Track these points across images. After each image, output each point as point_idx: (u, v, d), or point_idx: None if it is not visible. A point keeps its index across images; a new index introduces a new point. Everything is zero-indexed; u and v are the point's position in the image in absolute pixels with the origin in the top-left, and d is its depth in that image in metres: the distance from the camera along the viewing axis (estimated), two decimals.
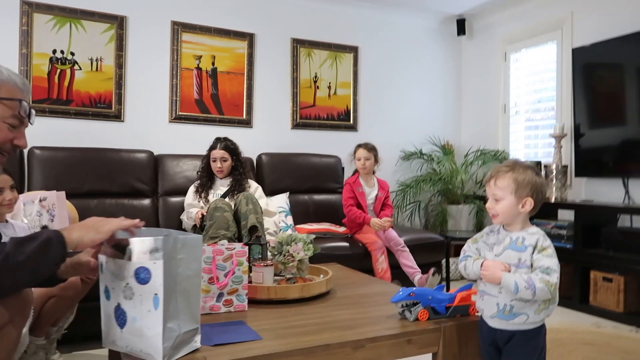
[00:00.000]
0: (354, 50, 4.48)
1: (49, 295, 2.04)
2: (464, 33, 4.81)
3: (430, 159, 4.67)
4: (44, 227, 2.59)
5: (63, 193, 2.64)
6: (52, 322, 2.14)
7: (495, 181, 1.54)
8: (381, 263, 3.15)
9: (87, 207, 3.09)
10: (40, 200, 2.55)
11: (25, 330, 1.94)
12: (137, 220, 1.34)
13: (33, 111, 1.36)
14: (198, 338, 1.34)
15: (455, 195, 4.49)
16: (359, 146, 3.55)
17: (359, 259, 3.18)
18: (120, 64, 3.61)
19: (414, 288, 1.67)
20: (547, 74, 4.25)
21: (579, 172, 3.78)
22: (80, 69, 3.50)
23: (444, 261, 3.78)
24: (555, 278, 1.42)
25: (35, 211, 2.53)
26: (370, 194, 3.53)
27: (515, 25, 4.47)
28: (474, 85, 4.94)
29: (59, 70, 3.44)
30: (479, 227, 4.42)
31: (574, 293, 3.41)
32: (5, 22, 3.30)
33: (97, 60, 3.55)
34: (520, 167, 1.53)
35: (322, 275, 2.14)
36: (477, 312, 1.65)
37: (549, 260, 1.44)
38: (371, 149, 3.52)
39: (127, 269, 1.24)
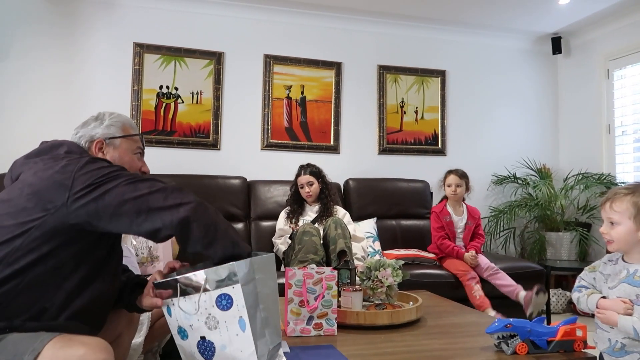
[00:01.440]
0: (441, 74, 4.43)
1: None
2: (560, 51, 4.57)
3: (525, 183, 4.44)
4: (149, 249, 2.81)
5: None
6: (158, 339, 2.29)
7: (611, 204, 1.43)
8: (477, 291, 3.00)
9: None
10: None
11: (140, 340, 2.11)
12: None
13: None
14: (282, 352, 1.38)
15: (555, 221, 4.21)
16: (450, 172, 3.46)
17: (449, 287, 3.07)
18: (217, 96, 3.87)
19: (511, 319, 1.59)
20: None
21: None
22: (183, 102, 3.80)
23: None
24: None
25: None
26: (460, 222, 3.41)
27: (618, 41, 4.18)
28: (572, 105, 4.65)
29: (164, 104, 3.76)
30: (582, 256, 4.09)
31: None
32: (121, 63, 3.69)
33: (197, 93, 3.84)
34: None
35: (411, 302, 2.11)
36: (583, 347, 1.52)
37: None
38: (462, 175, 3.41)
39: (206, 301, 1.25)
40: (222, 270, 1.24)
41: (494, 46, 4.59)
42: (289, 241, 3.12)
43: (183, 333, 1.31)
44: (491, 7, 4.01)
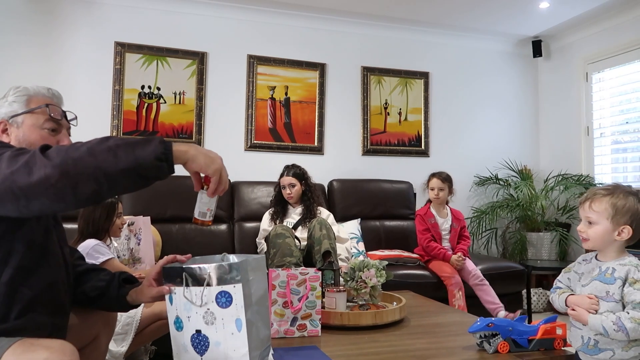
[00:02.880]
0: (424, 75, 4.46)
1: (159, 317, 2.15)
2: (541, 54, 4.64)
3: (507, 184, 4.50)
4: (131, 250, 2.77)
5: (148, 218, 2.82)
6: (144, 343, 2.26)
7: (590, 204, 1.45)
8: (458, 300, 3.01)
9: (169, 232, 3.27)
10: (129, 225, 2.73)
11: (123, 349, 2.08)
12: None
13: (71, 113, 1.43)
14: (271, 354, 1.38)
15: (535, 222, 4.27)
16: (433, 175, 3.45)
17: (432, 287, 3.10)
18: (200, 97, 3.84)
19: (493, 318, 1.61)
20: (634, 93, 3.98)
21: None
22: (165, 102, 3.76)
23: (524, 292, 3.59)
24: None
25: (124, 235, 2.71)
26: (444, 224, 3.41)
27: (597, 44, 4.26)
28: (552, 107, 4.73)
29: (146, 104, 3.72)
30: (562, 256, 4.16)
31: None
32: (102, 62, 3.63)
33: (180, 94, 3.80)
34: (622, 192, 1.43)
35: (395, 303, 2.11)
36: (563, 345, 1.55)
37: None
38: (445, 179, 3.41)
39: (206, 295, 1.26)
40: (226, 268, 1.24)
41: (476, 48, 4.65)
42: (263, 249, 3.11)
43: (179, 324, 1.31)
44: (474, 10, 4.05)
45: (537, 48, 4.64)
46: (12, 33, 3.45)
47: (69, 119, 1.41)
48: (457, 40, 4.57)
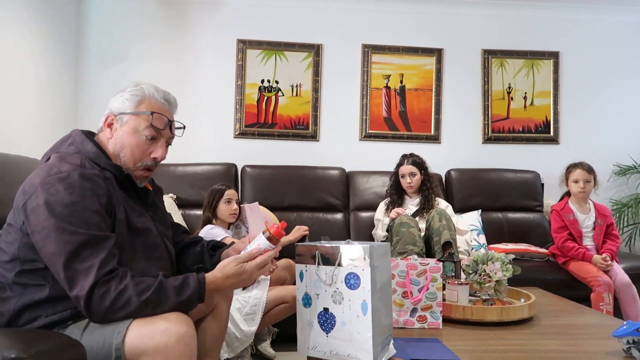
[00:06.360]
0: (554, 55, 4.08)
1: (282, 300, 2.27)
2: None
3: None
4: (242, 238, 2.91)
5: (256, 204, 2.92)
6: (267, 325, 2.38)
7: None
8: (607, 305, 2.69)
9: (288, 219, 3.34)
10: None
11: (253, 329, 2.19)
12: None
13: (179, 123, 1.44)
14: (392, 344, 1.37)
15: None
16: (575, 166, 3.12)
17: (564, 287, 2.83)
18: (316, 88, 3.91)
19: None
20: None
21: None
22: (283, 95, 3.89)
23: None
24: None
25: (235, 226, 2.85)
26: (586, 221, 3.07)
27: None
28: None
29: (265, 98, 3.88)
30: None
31: None
32: (225, 59, 3.86)
33: (297, 86, 3.90)
34: None
35: (522, 300, 1.96)
36: None
37: None
38: (590, 170, 3.08)
39: (337, 275, 1.29)
40: (356, 250, 1.27)
41: (612, 22, 4.12)
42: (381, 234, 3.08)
43: (307, 300, 1.35)
44: None
45: None
46: (150, 36, 3.80)
47: (175, 127, 1.44)
48: (591, 15, 4.10)
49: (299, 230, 2.98)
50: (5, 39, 2.82)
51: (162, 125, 1.37)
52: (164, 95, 1.41)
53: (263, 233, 1.36)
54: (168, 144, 1.43)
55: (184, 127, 1.47)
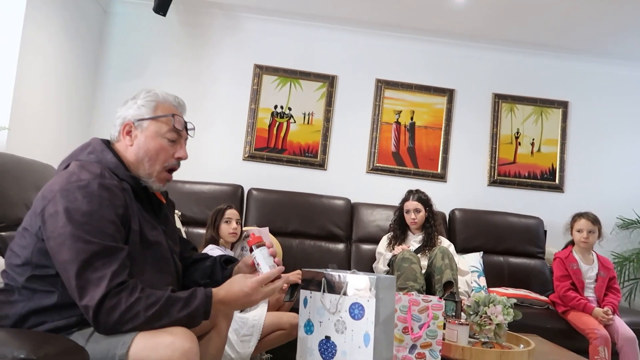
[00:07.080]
0: (563, 105, 4.15)
1: (279, 327, 2.26)
2: None
3: None
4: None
5: (266, 229, 2.93)
6: (261, 351, 2.35)
7: None
8: (602, 359, 2.65)
9: (290, 246, 3.38)
10: (244, 238, 2.84)
11: (249, 351, 2.17)
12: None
13: (190, 124, 1.48)
14: None
15: None
16: (580, 216, 3.12)
17: (562, 336, 2.81)
18: (328, 118, 3.97)
19: None
20: None
21: None
22: (295, 122, 3.94)
23: None
24: None
25: (240, 247, 2.85)
26: (589, 272, 3.06)
27: None
28: None
29: (277, 123, 3.93)
30: None
31: None
32: (241, 82, 3.93)
33: (309, 114, 3.96)
34: None
35: (522, 345, 1.95)
36: None
37: None
38: (595, 220, 3.08)
39: (341, 303, 1.28)
40: (363, 280, 1.27)
41: (621, 76, 4.21)
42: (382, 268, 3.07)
43: (309, 327, 1.35)
44: (619, 34, 3.70)
45: None
46: (170, 53, 3.89)
47: (188, 128, 1.48)
48: (599, 67, 4.19)
49: (296, 275, 2.97)
50: (34, 44, 2.90)
51: (181, 127, 1.42)
52: (175, 98, 1.47)
53: (257, 247, 1.36)
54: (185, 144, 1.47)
55: (194, 128, 1.51)
